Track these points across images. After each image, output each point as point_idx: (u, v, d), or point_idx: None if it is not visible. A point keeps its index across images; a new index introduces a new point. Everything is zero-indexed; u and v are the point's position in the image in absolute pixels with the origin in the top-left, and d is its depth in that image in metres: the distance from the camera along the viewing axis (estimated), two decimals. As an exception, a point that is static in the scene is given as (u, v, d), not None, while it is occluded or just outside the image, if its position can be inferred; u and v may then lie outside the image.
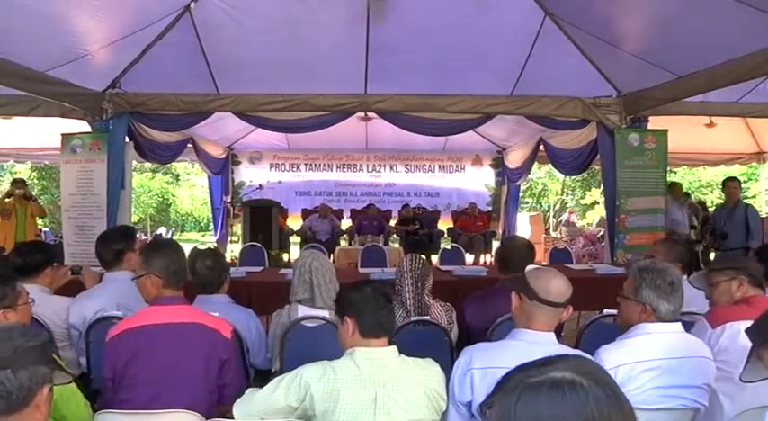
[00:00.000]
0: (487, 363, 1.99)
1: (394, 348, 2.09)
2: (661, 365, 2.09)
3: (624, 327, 2.28)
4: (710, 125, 8.77)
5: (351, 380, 1.97)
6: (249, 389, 2.12)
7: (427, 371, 2.08)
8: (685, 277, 3.28)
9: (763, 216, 8.71)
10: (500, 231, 12.21)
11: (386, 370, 2.01)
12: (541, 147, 9.72)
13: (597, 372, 0.95)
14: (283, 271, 5.58)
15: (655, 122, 6.87)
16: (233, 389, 2.33)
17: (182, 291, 2.53)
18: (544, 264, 6.63)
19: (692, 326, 2.55)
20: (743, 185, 19.42)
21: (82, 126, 6.63)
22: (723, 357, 2.33)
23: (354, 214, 11.97)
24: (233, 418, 2.03)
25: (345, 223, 11.93)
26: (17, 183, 7.88)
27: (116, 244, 3.26)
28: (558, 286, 2.11)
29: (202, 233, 21.20)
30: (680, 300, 2.22)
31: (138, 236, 3.67)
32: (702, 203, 11.23)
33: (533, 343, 2.02)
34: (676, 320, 2.23)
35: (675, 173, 17.67)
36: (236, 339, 2.59)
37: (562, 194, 22.23)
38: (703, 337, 2.36)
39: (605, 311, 2.98)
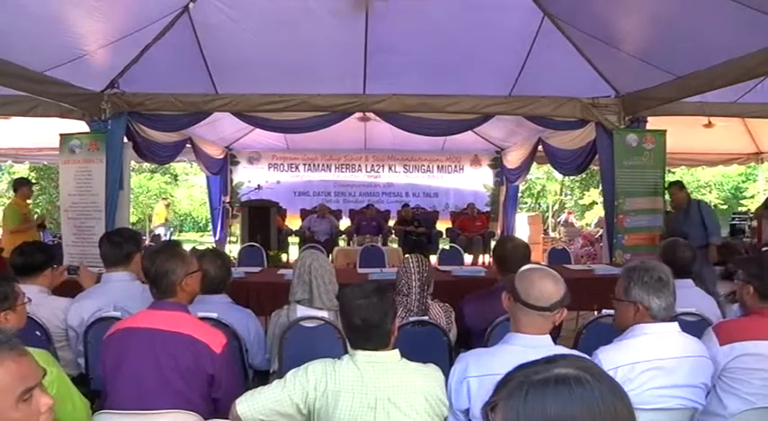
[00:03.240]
0: (484, 371, 1.98)
1: (396, 352, 2.06)
2: (659, 365, 2.09)
3: (622, 329, 2.29)
4: (709, 125, 8.77)
5: (351, 382, 1.96)
6: (250, 391, 2.07)
7: (429, 376, 2.05)
8: (690, 280, 3.29)
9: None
10: (499, 231, 12.21)
11: (387, 374, 1.98)
12: (540, 148, 9.72)
13: (596, 369, 0.97)
14: (282, 271, 5.58)
15: (653, 123, 6.88)
16: (227, 404, 2.18)
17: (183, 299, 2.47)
18: (544, 264, 6.63)
19: (692, 327, 2.54)
20: (742, 185, 19.56)
21: (80, 126, 6.62)
22: (730, 374, 2.32)
23: (353, 214, 11.97)
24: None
25: (344, 223, 11.93)
26: (27, 183, 7.68)
27: (128, 245, 3.27)
28: (540, 289, 2.04)
29: (201, 233, 21.18)
30: (671, 297, 2.22)
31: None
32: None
33: (528, 347, 1.98)
34: (671, 319, 2.23)
35: (674, 173, 17.70)
36: (231, 351, 2.43)
37: (561, 195, 22.24)
38: (708, 351, 2.30)
39: (604, 311, 2.99)
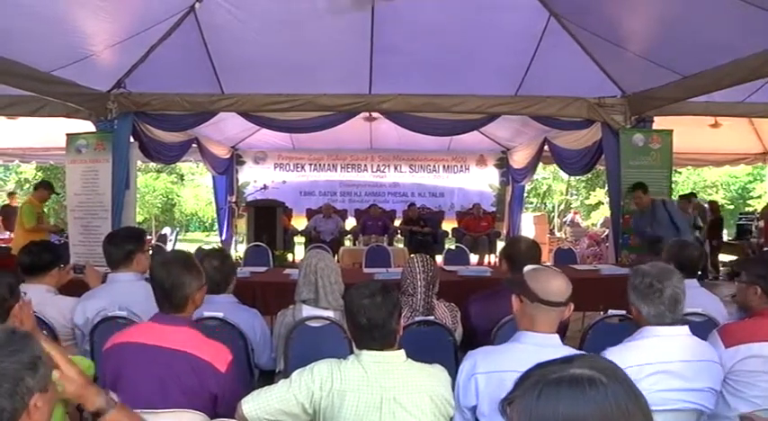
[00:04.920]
0: (492, 368, 1.99)
1: (401, 352, 2.07)
2: (667, 369, 2.07)
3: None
4: (715, 125, 8.74)
5: (357, 382, 1.96)
6: (255, 391, 2.07)
7: (434, 376, 2.05)
8: (695, 280, 3.27)
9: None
10: (504, 231, 12.20)
11: (393, 374, 1.98)
12: (546, 148, 9.70)
13: (613, 369, 0.97)
14: (288, 271, 5.59)
15: (660, 122, 6.86)
16: (228, 413, 2.11)
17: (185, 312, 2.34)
18: (548, 264, 6.62)
19: (698, 327, 2.52)
20: (749, 186, 19.45)
21: (87, 126, 6.66)
22: (735, 377, 2.30)
23: (359, 214, 11.96)
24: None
25: (350, 223, 11.91)
26: (49, 188, 7.60)
27: (128, 244, 3.23)
28: (557, 286, 2.09)
29: (207, 233, 21.25)
30: (662, 306, 2.16)
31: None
32: (714, 204, 11.18)
33: (538, 345, 2.01)
34: (671, 324, 2.19)
35: (680, 173, 17.65)
36: (236, 368, 2.28)
37: (567, 195, 22.22)
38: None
39: (610, 312, 2.98)
